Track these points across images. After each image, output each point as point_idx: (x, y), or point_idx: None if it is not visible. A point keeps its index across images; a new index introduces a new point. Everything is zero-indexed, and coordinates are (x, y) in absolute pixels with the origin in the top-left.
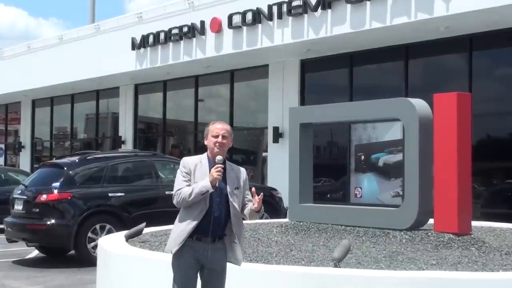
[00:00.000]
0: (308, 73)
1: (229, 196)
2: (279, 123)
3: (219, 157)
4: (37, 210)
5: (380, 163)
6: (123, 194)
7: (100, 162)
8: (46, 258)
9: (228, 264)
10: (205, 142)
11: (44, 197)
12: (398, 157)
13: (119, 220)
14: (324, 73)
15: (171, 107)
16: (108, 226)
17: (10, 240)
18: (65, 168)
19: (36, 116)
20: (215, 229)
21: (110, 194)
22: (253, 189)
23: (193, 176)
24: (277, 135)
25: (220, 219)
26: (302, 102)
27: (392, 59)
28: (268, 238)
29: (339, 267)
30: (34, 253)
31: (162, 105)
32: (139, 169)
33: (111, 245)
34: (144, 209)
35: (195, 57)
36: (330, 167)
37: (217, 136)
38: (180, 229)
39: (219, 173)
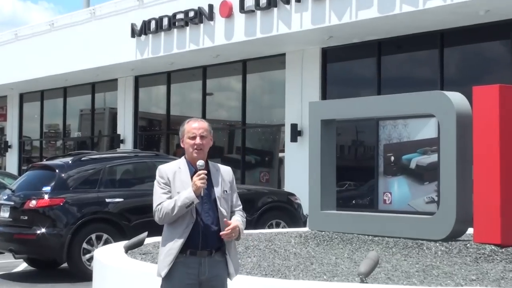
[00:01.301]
0: (330, 63)
1: (218, 201)
2: (297, 119)
3: (200, 162)
4: (26, 217)
5: (412, 165)
6: (122, 199)
7: (96, 163)
8: (36, 271)
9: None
10: (181, 145)
11: (33, 203)
12: (432, 158)
13: (117, 229)
14: (348, 63)
15: (176, 102)
16: (105, 236)
17: None
18: (57, 171)
19: (24, 112)
20: (208, 240)
21: (107, 200)
22: (225, 220)
23: (173, 185)
24: (296, 133)
25: (212, 228)
26: (324, 95)
27: (425, 47)
28: (285, 249)
29: (366, 282)
30: (22, 266)
31: (165, 100)
32: (140, 172)
33: (108, 257)
34: (146, 216)
35: (203, 46)
36: (356, 169)
37: (194, 137)
38: (167, 249)
39: (202, 181)
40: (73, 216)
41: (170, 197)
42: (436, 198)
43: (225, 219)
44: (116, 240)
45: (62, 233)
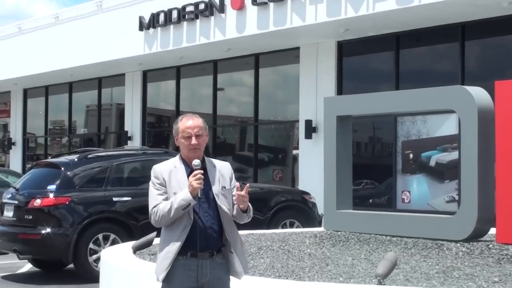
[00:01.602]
0: (346, 57)
1: (216, 198)
2: (312, 115)
3: (196, 162)
4: (30, 217)
5: (432, 163)
6: (130, 198)
7: (103, 161)
8: (41, 272)
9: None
10: (176, 143)
11: (38, 202)
12: (453, 155)
13: (125, 229)
14: (365, 57)
15: (186, 97)
16: (112, 236)
17: None
18: (62, 168)
19: (28, 108)
20: (208, 241)
21: (114, 199)
22: (237, 184)
23: (168, 186)
24: (310, 129)
25: (213, 228)
26: (340, 91)
27: (446, 40)
28: (299, 250)
29: (384, 284)
30: (27, 267)
31: (175, 95)
32: (148, 170)
33: (115, 258)
34: None
35: (214, 39)
36: (373, 167)
37: (189, 137)
38: (164, 252)
39: (199, 181)
40: (79, 215)
41: (166, 198)
42: (456, 197)
43: (237, 184)
44: (124, 240)
45: (68, 233)
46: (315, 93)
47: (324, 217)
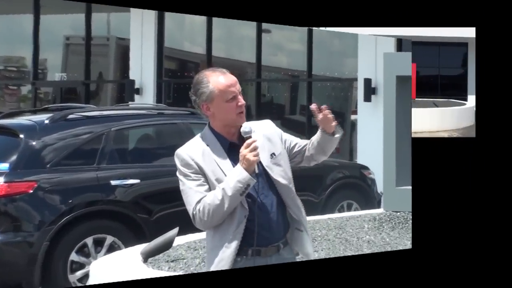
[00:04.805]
0: None
1: (269, 171)
2: (371, 73)
3: (246, 127)
4: None
5: None
6: (138, 181)
7: (95, 124)
8: None
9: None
10: (206, 113)
11: None
12: None
13: (130, 227)
14: None
15: (220, 37)
16: (109, 239)
17: None
18: (22, 136)
19: None
20: (272, 231)
21: (113, 182)
22: (313, 105)
23: (207, 172)
24: (369, 90)
25: (275, 213)
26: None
27: None
28: (358, 237)
29: None
30: None
31: (205, 31)
32: (166, 138)
33: (116, 272)
34: (175, 205)
35: None
36: None
37: (234, 98)
38: (216, 263)
39: (255, 153)
40: (52, 210)
41: (208, 190)
42: None
43: (313, 105)
44: (129, 244)
45: (31, 240)
46: (374, 45)
47: (383, 196)
